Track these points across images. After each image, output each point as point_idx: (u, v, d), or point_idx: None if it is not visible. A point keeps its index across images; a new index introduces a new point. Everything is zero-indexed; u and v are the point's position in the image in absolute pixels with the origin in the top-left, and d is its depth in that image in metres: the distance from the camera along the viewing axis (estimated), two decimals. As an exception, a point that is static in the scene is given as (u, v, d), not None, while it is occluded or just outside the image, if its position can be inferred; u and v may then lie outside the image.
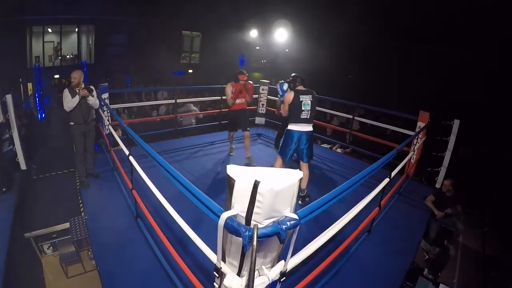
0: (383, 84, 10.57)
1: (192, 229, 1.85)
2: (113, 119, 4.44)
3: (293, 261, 1.60)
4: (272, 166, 3.72)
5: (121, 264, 2.51)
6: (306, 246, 1.78)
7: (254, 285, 1.26)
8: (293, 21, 10.20)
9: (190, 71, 15.20)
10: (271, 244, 1.36)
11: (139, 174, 2.58)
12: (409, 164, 4.40)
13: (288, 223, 1.25)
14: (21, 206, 3.69)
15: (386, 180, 2.82)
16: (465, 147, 6.16)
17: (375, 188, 2.65)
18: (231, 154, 4.93)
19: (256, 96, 6.11)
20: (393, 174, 2.99)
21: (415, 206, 3.95)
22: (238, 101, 4.39)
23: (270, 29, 10.77)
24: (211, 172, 4.29)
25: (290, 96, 3.35)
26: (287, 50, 12.73)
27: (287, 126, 3.48)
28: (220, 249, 1.39)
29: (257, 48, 15.17)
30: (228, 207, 1.32)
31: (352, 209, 2.28)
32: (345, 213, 2.19)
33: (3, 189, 3.60)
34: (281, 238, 1.24)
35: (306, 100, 3.31)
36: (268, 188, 1.18)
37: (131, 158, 2.74)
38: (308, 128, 3.42)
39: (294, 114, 3.35)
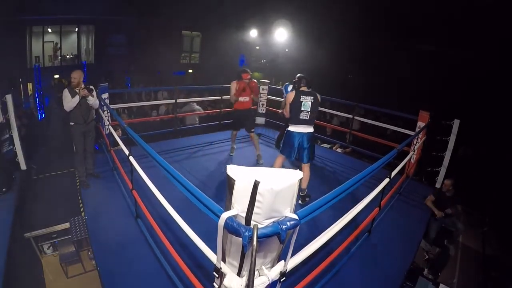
0: (383, 84, 10.56)
1: (192, 229, 1.85)
2: (113, 119, 4.44)
3: (293, 261, 1.60)
4: (272, 165, 3.72)
5: (121, 264, 2.50)
6: (306, 246, 1.78)
7: (254, 285, 1.26)
8: (293, 21, 10.19)
9: (190, 71, 15.20)
10: (271, 244, 1.36)
11: (139, 174, 2.58)
12: (409, 164, 4.39)
13: (288, 223, 1.25)
14: (21, 206, 3.69)
15: (386, 180, 2.82)
16: (465, 147, 6.16)
17: (375, 188, 2.66)
18: (231, 154, 4.93)
19: (256, 96, 6.12)
20: (393, 174, 3.00)
21: (415, 206, 3.95)
22: (241, 99, 4.41)
23: (270, 29, 10.76)
24: (211, 172, 4.29)
25: (290, 96, 3.36)
26: (287, 50, 12.73)
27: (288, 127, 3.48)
28: (220, 249, 1.39)
29: (257, 48, 15.16)
30: (228, 207, 1.32)
31: (352, 209, 2.28)
32: (345, 213, 2.19)
33: (3, 189, 3.61)
34: (281, 238, 1.24)
35: (306, 101, 3.30)
36: (268, 188, 1.18)
37: (131, 158, 2.75)
38: (308, 129, 3.41)
39: (294, 114, 3.35)
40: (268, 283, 1.37)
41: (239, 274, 1.37)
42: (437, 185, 4.41)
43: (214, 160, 4.73)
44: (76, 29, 11.72)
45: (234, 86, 4.35)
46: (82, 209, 3.52)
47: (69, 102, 3.47)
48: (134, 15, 11.73)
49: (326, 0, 11.13)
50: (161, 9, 11.91)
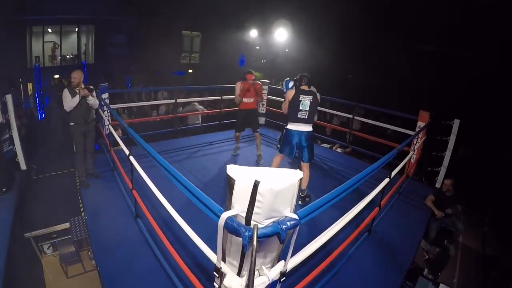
0: (383, 84, 10.56)
1: (192, 229, 1.85)
2: (113, 119, 4.44)
3: (293, 261, 1.60)
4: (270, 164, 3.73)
5: (121, 264, 2.50)
6: (306, 246, 1.78)
7: (254, 285, 1.26)
8: (293, 21, 10.20)
9: (190, 71, 15.20)
10: (271, 244, 1.36)
11: (139, 174, 2.58)
12: (409, 164, 4.39)
13: (288, 223, 1.25)
14: (21, 206, 3.69)
15: (386, 180, 2.82)
16: (465, 147, 6.16)
17: (375, 188, 2.65)
18: (234, 154, 4.93)
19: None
20: (393, 174, 2.99)
21: (415, 206, 3.95)
22: (246, 100, 4.42)
23: (270, 29, 10.77)
24: (211, 172, 4.29)
25: (290, 94, 3.37)
26: (287, 50, 12.73)
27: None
28: (220, 249, 1.39)
29: (257, 48, 15.17)
30: (228, 207, 1.32)
31: (352, 209, 2.28)
32: (345, 213, 2.19)
33: (3, 189, 3.60)
34: (281, 238, 1.24)
35: (305, 101, 3.31)
36: (268, 188, 1.18)
37: (131, 158, 2.75)
38: (307, 128, 3.41)
39: (292, 113, 3.36)
40: (268, 283, 1.37)
41: (239, 274, 1.38)
42: (437, 185, 4.41)
43: (214, 160, 4.73)
44: (76, 29, 11.72)
45: (238, 86, 4.35)
46: (82, 209, 3.52)
47: (69, 102, 3.47)
48: (134, 15, 11.73)
49: (326, 0, 11.13)
50: (161, 9, 11.91)
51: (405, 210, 3.80)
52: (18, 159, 4.09)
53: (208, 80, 12.29)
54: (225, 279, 1.38)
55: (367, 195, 2.52)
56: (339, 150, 6.01)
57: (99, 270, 2.49)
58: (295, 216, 1.30)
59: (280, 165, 3.70)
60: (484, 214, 5.00)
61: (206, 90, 9.11)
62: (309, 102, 3.32)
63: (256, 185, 1.16)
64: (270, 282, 1.38)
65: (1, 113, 3.75)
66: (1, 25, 8.54)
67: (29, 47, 10.73)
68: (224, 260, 1.44)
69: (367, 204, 2.42)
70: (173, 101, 5.61)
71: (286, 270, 1.47)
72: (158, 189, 2.33)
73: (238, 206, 1.26)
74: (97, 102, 3.77)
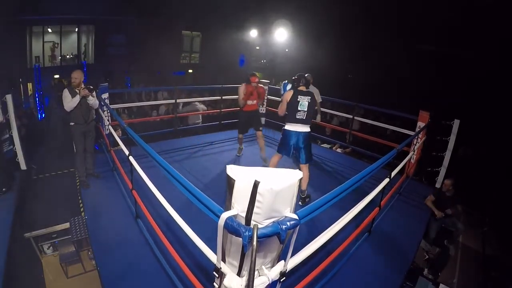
0: (383, 84, 10.57)
1: (192, 229, 1.85)
2: (113, 119, 4.43)
3: (293, 261, 1.60)
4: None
5: (121, 264, 2.50)
6: (306, 246, 1.78)
7: (254, 285, 1.26)
8: (293, 21, 10.20)
9: (190, 71, 15.21)
10: (271, 244, 1.36)
11: (139, 174, 2.58)
12: (409, 164, 4.39)
13: (288, 223, 1.25)
14: (21, 206, 3.70)
15: (386, 180, 2.82)
16: (465, 147, 6.16)
17: (375, 188, 2.65)
18: (238, 154, 4.94)
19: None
20: (393, 174, 2.99)
21: (415, 206, 3.94)
22: (249, 102, 4.42)
23: (270, 29, 10.78)
24: (211, 172, 4.28)
25: (288, 95, 3.36)
26: (287, 50, 12.74)
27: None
28: (220, 249, 1.39)
29: (257, 48, 15.18)
30: (228, 207, 1.32)
31: (352, 209, 2.27)
32: (345, 213, 2.19)
33: (3, 189, 3.61)
34: (281, 238, 1.24)
35: (304, 101, 3.31)
36: (268, 188, 1.18)
37: (131, 158, 2.74)
38: (305, 129, 3.41)
39: (290, 113, 3.36)
40: (268, 283, 1.37)
41: (239, 274, 1.37)
42: (437, 185, 4.41)
43: (214, 160, 4.73)
44: (76, 29, 11.73)
45: (242, 89, 4.34)
46: (82, 209, 3.52)
47: (70, 102, 3.47)
48: (134, 15, 11.74)
49: (326, 0, 11.14)
50: (161, 9, 11.92)
51: (405, 210, 3.80)
52: (18, 159, 4.09)
53: (208, 80, 12.30)
54: (225, 279, 1.38)
55: (367, 195, 2.52)
56: (339, 150, 6.01)
57: (99, 270, 2.49)
58: (295, 216, 1.30)
59: (282, 166, 3.70)
60: (484, 214, 5.00)
61: (206, 90, 9.12)
62: (307, 103, 3.32)
63: (256, 185, 1.16)
64: (270, 282, 1.38)
65: (1, 113, 3.75)
66: (1, 25, 8.54)
67: (29, 47, 10.74)
68: (224, 260, 1.44)
69: (367, 204, 2.41)
70: (173, 101, 5.61)
71: (286, 270, 1.47)
72: (158, 189, 2.33)
73: (238, 206, 1.26)
74: (97, 102, 3.77)
